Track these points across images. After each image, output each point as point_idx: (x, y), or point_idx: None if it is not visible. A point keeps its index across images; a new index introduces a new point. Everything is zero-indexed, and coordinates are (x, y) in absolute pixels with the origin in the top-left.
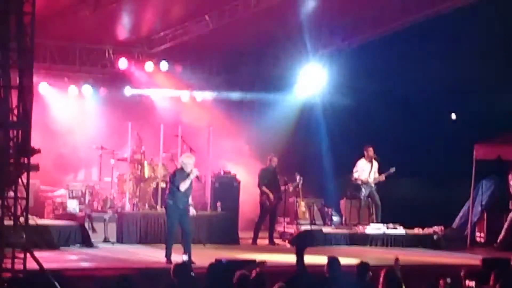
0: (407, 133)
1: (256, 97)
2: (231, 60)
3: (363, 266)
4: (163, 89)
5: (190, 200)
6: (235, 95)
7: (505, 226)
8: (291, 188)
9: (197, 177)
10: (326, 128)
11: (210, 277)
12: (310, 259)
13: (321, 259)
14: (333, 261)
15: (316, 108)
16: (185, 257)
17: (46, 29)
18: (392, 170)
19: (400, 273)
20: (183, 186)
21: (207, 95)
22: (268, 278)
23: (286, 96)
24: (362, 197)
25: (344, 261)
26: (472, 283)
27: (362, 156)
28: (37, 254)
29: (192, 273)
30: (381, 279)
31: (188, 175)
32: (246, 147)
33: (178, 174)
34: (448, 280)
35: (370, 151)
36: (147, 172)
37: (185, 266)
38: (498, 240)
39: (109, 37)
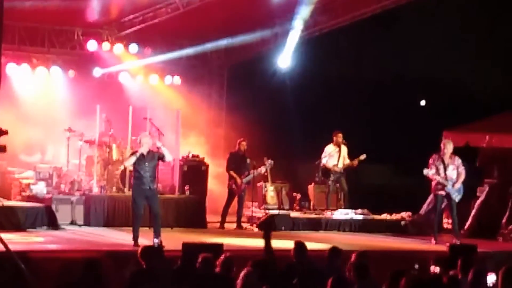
0: (376, 119)
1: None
2: (201, 44)
3: (334, 251)
4: (132, 72)
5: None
6: None
7: (472, 213)
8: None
9: (142, 154)
10: (296, 113)
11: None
12: (277, 243)
13: (288, 244)
14: (300, 246)
15: (286, 93)
16: (156, 241)
17: (15, 10)
18: (363, 157)
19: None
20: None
21: (176, 79)
22: (236, 262)
23: (255, 80)
24: (330, 183)
25: (311, 246)
26: (437, 269)
27: (331, 141)
28: (3, 235)
29: (163, 256)
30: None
31: (149, 155)
32: (215, 130)
33: (134, 153)
34: (416, 266)
35: (339, 137)
36: (115, 155)
37: (153, 249)
38: (466, 227)
39: (79, 19)
